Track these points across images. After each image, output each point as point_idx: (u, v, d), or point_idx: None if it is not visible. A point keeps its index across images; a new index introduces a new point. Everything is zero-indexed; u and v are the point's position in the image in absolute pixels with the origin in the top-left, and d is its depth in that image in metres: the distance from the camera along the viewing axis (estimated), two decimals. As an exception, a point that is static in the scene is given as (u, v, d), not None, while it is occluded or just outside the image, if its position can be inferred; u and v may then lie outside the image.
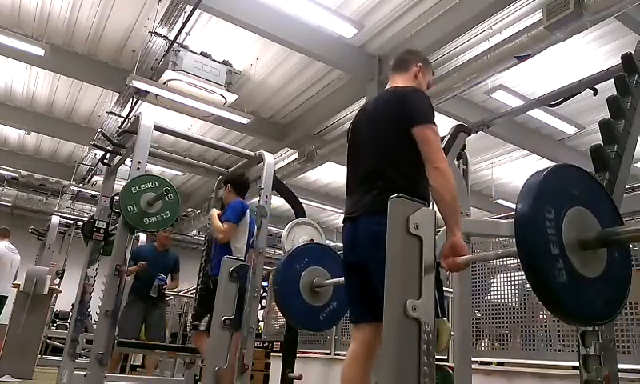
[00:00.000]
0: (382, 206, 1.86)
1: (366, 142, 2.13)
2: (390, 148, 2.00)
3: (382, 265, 1.82)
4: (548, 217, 1.15)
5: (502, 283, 3.52)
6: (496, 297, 3.58)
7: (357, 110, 2.40)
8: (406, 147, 1.93)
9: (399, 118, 1.98)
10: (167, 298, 6.02)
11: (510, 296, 3.50)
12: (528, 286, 3.21)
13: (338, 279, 2.62)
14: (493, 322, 3.58)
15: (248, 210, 3.87)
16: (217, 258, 3.67)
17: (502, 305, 3.52)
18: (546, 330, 3.31)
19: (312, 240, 3.61)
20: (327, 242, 3.35)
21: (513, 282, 3.47)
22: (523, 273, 1.20)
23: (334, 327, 5.01)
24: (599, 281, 1.20)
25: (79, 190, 12.26)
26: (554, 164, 1.26)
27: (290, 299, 2.70)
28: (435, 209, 1.72)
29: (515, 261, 3.44)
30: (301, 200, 4.39)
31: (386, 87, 2.30)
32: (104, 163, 4.26)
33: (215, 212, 3.97)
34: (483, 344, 3.70)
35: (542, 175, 1.20)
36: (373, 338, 1.98)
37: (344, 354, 2.11)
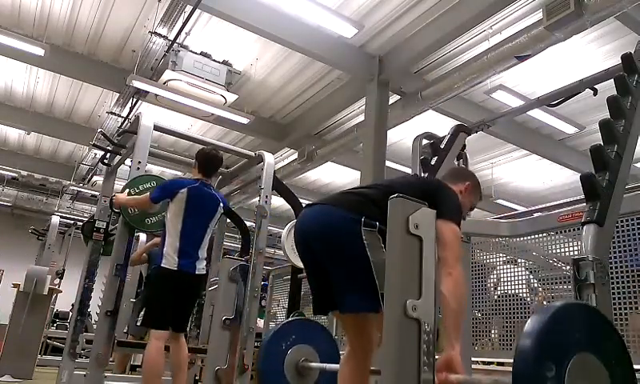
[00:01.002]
0: (348, 202, 1.88)
1: (377, 183, 2.12)
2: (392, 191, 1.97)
3: (340, 253, 1.82)
4: (549, 375, 1.06)
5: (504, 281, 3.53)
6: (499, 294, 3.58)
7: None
8: None
9: (429, 197, 1.78)
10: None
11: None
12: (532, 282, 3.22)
13: (325, 365, 2.48)
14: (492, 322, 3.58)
15: (186, 190, 3.26)
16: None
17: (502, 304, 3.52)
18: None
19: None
20: (316, 322, 3.19)
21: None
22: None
23: (334, 327, 5.01)
24: None
25: (79, 189, 12.25)
26: (557, 304, 1.16)
27: (273, 377, 2.53)
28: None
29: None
30: (301, 200, 4.39)
31: None
32: (104, 163, 4.27)
33: (120, 196, 3.45)
34: (483, 344, 3.70)
35: (541, 324, 1.10)
36: (362, 332, 1.98)
37: (343, 353, 2.10)
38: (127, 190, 3.46)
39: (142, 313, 3.54)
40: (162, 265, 3.15)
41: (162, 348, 3.10)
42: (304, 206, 2.10)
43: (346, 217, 1.83)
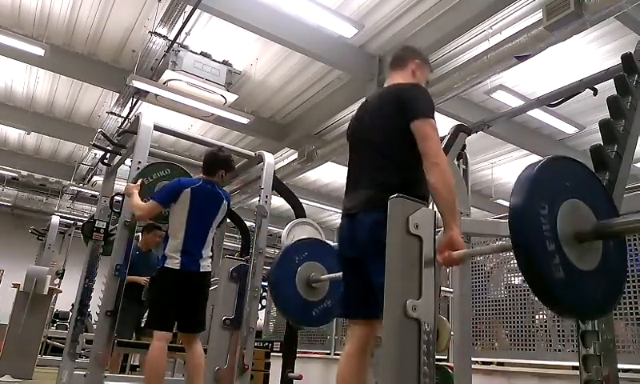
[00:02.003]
0: (380, 202, 1.89)
1: (365, 140, 2.13)
2: (389, 145, 1.99)
3: (379, 261, 1.85)
4: (542, 213, 1.14)
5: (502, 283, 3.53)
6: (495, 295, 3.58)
7: (357, 110, 2.40)
8: (406, 144, 1.92)
9: (398, 113, 1.97)
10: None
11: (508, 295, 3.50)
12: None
13: (334, 275, 2.60)
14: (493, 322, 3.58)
15: (189, 190, 3.25)
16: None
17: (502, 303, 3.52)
18: (546, 330, 3.31)
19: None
20: (328, 242, 3.30)
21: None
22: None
23: (334, 327, 5.02)
24: (596, 273, 1.20)
25: (79, 189, 12.25)
26: (547, 157, 1.25)
27: (285, 290, 2.68)
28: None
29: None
30: (301, 200, 4.39)
31: (385, 85, 2.30)
32: (104, 163, 4.27)
33: (132, 187, 3.37)
34: (483, 344, 3.70)
35: (535, 169, 1.18)
36: (367, 336, 1.99)
37: (342, 352, 2.10)
38: (140, 180, 3.43)
39: (146, 314, 3.49)
40: (165, 265, 3.14)
41: (164, 348, 3.08)
42: (343, 214, 2.11)
43: (372, 223, 1.86)
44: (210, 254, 3.33)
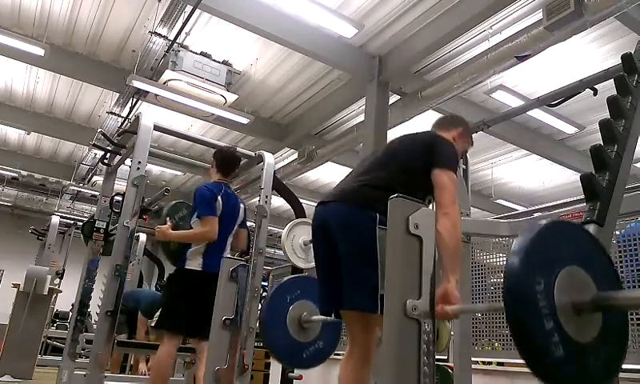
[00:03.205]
0: (363, 198, 1.91)
1: (387, 150, 2.18)
2: (405, 163, 2.02)
3: (354, 251, 1.85)
4: (538, 289, 1.08)
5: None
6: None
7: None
8: (419, 176, 1.96)
9: (426, 151, 2.02)
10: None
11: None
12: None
13: (327, 317, 2.44)
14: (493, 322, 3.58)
15: (220, 198, 3.28)
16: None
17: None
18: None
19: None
20: None
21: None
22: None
23: (334, 327, 5.00)
24: (597, 343, 1.15)
25: (79, 189, 12.26)
26: (542, 223, 1.18)
27: (275, 330, 2.58)
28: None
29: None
30: (301, 200, 4.39)
31: None
32: (104, 163, 4.26)
33: (166, 227, 3.35)
34: (483, 344, 3.70)
35: (529, 240, 1.12)
36: (365, 337, 1.98)
37: (344, 354, 2.10)
38: (170, 221, 3.49)
39: (158, 314, 3.46)
40: (185, 266, 3.14)
41: (173, 353, 3.08)
42: (319, 202, 2.10)
43: (362, 215, 1.87)
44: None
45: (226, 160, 3.48)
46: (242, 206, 3.47)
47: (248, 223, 4.48)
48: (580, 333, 1.12)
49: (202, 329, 3.09)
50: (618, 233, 2.57)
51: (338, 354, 4.77)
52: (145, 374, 5.40)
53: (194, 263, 3.15)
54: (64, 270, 8.40)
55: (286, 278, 2.93)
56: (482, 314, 3.63)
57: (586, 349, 1.13)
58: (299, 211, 4.16)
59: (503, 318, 3.51)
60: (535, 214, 3.55)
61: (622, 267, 2.53)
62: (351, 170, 2.24)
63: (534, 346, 1.06)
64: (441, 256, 1.76)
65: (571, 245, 1.20)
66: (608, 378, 1.19)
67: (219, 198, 3.28)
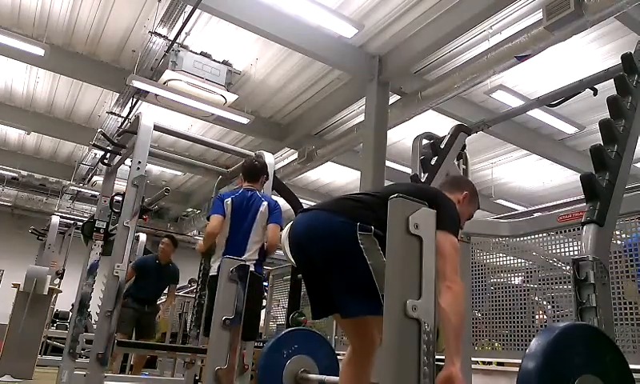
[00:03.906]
0: (343, 208, 1.87)
1: (380, 190, 2.08)
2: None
3: (338, 259, 1.82)
4: None
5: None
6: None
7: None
8: None
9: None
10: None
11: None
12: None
13: (324, 377, 2.44)
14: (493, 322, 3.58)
15: (229, 199, 3.43)
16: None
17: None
18: (545, 330, 3.30)
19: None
20: (319, 333, 3.13)
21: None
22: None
23: (334, 327, 5.01)
24: None
25: (79, 189, 12.26)
26: (556, 329, 1.16)
27: None
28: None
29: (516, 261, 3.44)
30: (301, 200, 4.39)
31: None
32: (104, 163, 4.26)
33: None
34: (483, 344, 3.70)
35: (542, 351, 1.09)
36: (364, 337, 1.97)
37: (344, 354, 2.10)
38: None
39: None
40: (210, 274, 3.36)
41: None
42: (298, 212, 2.07)
43: (342, 222, 1.82)
44: (255, 256, 3.36)
45: (245, 168, 3.66)
46: (264, 203, 3.46)
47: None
48: None
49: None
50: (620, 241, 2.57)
51: (338, 354, 4.77)
52: None
53: (214, 268, 3.35)
54: (64, 270, 8.40)
55: (283, 332, 2.84)
56: (482, 314, 3.63)
57: None
58: (299, 211, 4.16)
59: (503, 318, 3.52)
60: (535, 214, 3.55)
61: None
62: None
63: None
64: (443, 333, 1.67)
65: (587, 351, 1.16)
66: None
67: (228, 200, 3.42)
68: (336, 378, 2.09)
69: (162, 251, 5.44)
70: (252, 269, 3.34)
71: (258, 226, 3.41)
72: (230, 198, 3.43)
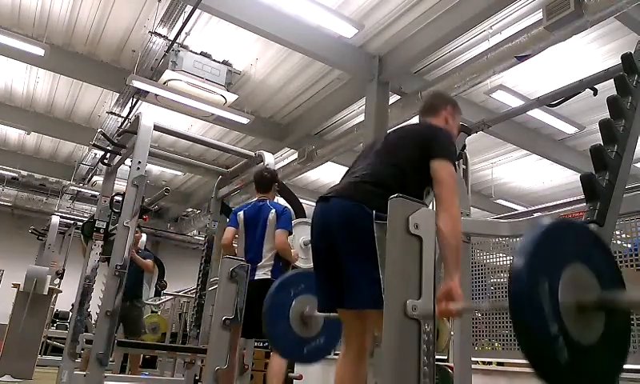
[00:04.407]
0: (373, 200, 1.88)
1: (383, 148, 2.12)
2: (402, 162, 1.98)
3: (354, 248, 1.85)
4: (542, 291, 1.08)
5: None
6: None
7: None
8: (419, 172, 1.93)
9: (422, 144, 2.00)
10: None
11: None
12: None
13: (330, 314, 2.43)
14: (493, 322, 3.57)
15: (241, 213, 3.65)
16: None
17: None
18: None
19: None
20: None
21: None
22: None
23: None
24: (600, 344, 1.16)
25: (79, 189, 12.25)
26: (545, 224, 1.18)
27: (277, 323, 2.58)
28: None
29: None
30: (301, 200, 4.39)
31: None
32: (104, 163, 4.26)
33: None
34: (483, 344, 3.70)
35: (533, 242, 1.12)
36: (361, 334, 1.98)
37: (340, 353, 2.10)
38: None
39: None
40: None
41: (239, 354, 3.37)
42: (318, 198, 2.08)
43: (361, 211, 1.84)
44: (271, 262, 3.49)
45: (256, 180, 3.82)
46: (272, 211, 3.60)
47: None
48: (584, 334, 1.12)
49: (253, 331, 3.30)
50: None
51: (338, 354, 4.77)
52: None
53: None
54: (64, 270, 8.41)
55: (290, 272, 2.95)
56: (482, 314, 3.63)
57: (590, 351, 1.13)
58: (299, 211, 4.17)
59: (503, 318, 3.51)
60: (535, 214, 3.55)
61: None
62: (353, 163, 2.22)
63: (540, 351, 1.07)
64: (442, 253, 1.74)
65: (575, 243, 1.21)
66: (612, 376, 1.21)
67: (240, 214, 3.63)
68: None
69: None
70: (268, 275, 3.40)
71: (270, 233, 3.53)
72: (242, 212, 3.63)
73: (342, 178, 2.15)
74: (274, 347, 2.71)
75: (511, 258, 3.47)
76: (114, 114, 8.32)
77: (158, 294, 8.65)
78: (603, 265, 1.23)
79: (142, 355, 6.00)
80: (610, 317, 1.18)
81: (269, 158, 3.91)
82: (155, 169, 11.46)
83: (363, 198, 1.88)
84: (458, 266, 1.76)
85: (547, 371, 1.08)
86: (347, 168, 2.22)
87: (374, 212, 1.80)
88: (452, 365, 2.81)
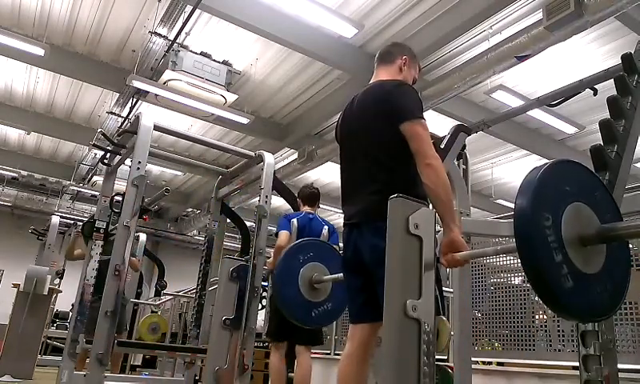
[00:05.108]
0: (378, 211, 1.88)
1: (357, 142, 2.10)
2: (382, 147, 1.97)
3: (382, 269, 1.85)
4: (546, 224, 1.15)
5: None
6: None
7: (343, 111, 2.41)
8: (398, 145, 1.90)
9: (387, 114, 1.96)
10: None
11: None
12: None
13: (336, 275, 2.60)
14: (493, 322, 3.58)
15: (295, 219, 3.78)
16: None
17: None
18: (545, 330, 3.31)
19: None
20: (334, 246, 3.37)
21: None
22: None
23: (334, 327, 5.02)
24: (601, 275, 1.22)
25: (79, 189, 12.25)
26: (547, 162, 1.26)
27: (287, 287, 2.70)
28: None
29: (516, 261, 3.44)
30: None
31: (371, 81, 2.25)
32: (104, 163, 4.25)
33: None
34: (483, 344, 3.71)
35: (536, 178, 1.19)
36: (368, 337, 1.99)
37: (342, 352, 2.11)
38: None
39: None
40: None
41: (278, 357, 3.54)
42: (345, 222, 2.11)
43: (373, 231, 1.88)
44: None
45: (305, 195, 4.05)
46: (325, 227, 3.84)
47: (248, 223, 4.50)
48: (586, 264, 1.19)
49: (299, 336, 3.51)
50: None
51: (338, 354, 4.78)
52: None
53: None
54: (64, 270, 8.40)
55: (300, 240, 3.07)
56: (482, 314, 3.63)
57: (592, 280, 1.20)
58: (296, 210, 4.16)
59: (503, 318, 3.51)
60: (535, 214, 3.55)
61: None
62: (347, 171, 2.21)
63: (546, 279, 1.13)
64: (435, 208, 1.74)
65: (575, 182, 1.26)
66: (614, 306, 1.26)
67: (294, 220, 3.77)
68: None
69: None
70: None
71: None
72: (295, 219, 3.79)
73: (347, 190, 2.14)
74: (284, 310, 2.78)
75: (511, 258, 3.47)
76: (114, 114, 8.32)
77: (157, 293, 8.65)
78: (602, 202, 1.29)
79: (123, 354, 5.97)
80: (611, 249, 1.25)
81: (269, 158, 3.90)
82: (155, 169, 11.46)
83: (374, 215, 1.90)
84: (454, 216, 1.78)
85: (552, 295, 1.14)
86: (340, 171, 2.22)
87: (384, 224, 1.82)
88: (452, 365, 2.81)
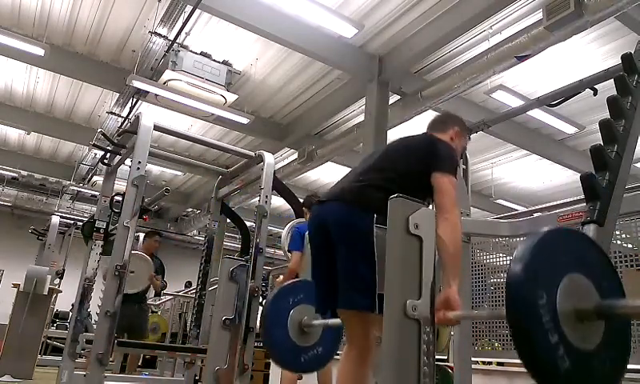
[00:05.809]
0: (360, 196, 1.92)
1: (378, 159, 2.15)
2: (400, 173, 2.00)
3: (348, 249, 1.87)
4: (541, 302, 1.07)
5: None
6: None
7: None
8: (414, 183, 1.94)
9: (425, 156, 2.03)
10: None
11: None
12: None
13: (327, 320, 2.48)
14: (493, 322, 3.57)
15: (306, 234, 3.68)
16: None
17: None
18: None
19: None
20: None
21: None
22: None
23: (334, 327, 5.00)
24: (600, 349, 1.15)
25: (79, 189, 12.26)
26: (540, 233, 1.17)
27: (276, 330, 2.58)
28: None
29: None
30: (301, 200, 4.38)
31: None
32: (104, 163, 4.25)
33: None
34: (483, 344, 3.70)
35: (529, 252, 1.11)
36: (363, 335, 1.98)
37: (341, 353, 2.10)
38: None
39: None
40: None
41: None
42: (315, 201, 2.13)
43: (361, 214, 1.88)
44: None
45: (309, 204, 3.89)
46: None
47: (248, 223, 4.49)
48: (584, 340, 1.12)
49: None
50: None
51: (338, 354, 4.77)
52: None
53: None
54: (64, 270, 8.40)
55: (290, 281, 2.95)
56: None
57: (591, 356, 1.13)
58: (299, 211, 4.16)
59: (503, 318, 3.51)
60: (535, 214, 3.55)
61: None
62: (350, 169, 2.24)
63: (542, 363, 1.06)
64: (441, 261, 1.74)
65: (572, 252, 1.19)
66: (614, 380, 1.19)
67: (306, 234, 3.53)
68: (338, 320, 2.13)
69: (146, 245, 5.51)
70: None
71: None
72: (306, 232, 3.67)
73: (338, 183, 2.17)
74: (271, 355, 2.68)
75: (511, 258, 3.47)
76: (114, 114, 8.32)
77: (157, 294, 8.65)
78: (602, 273, 1.21)
79: (141, 355, 5.99)
80: (610, 323, 1.17)
81: (269, 158, 3.90)
82: (155, 169, 11.46)
83: (363, 202, 1.91)
84: (457, 274, 1.75)
85: (548, 379, 1.07)
86: (348, 169, 2.24)
87: (375, 216, 1.82)
88: (452, 365, 2.81)
